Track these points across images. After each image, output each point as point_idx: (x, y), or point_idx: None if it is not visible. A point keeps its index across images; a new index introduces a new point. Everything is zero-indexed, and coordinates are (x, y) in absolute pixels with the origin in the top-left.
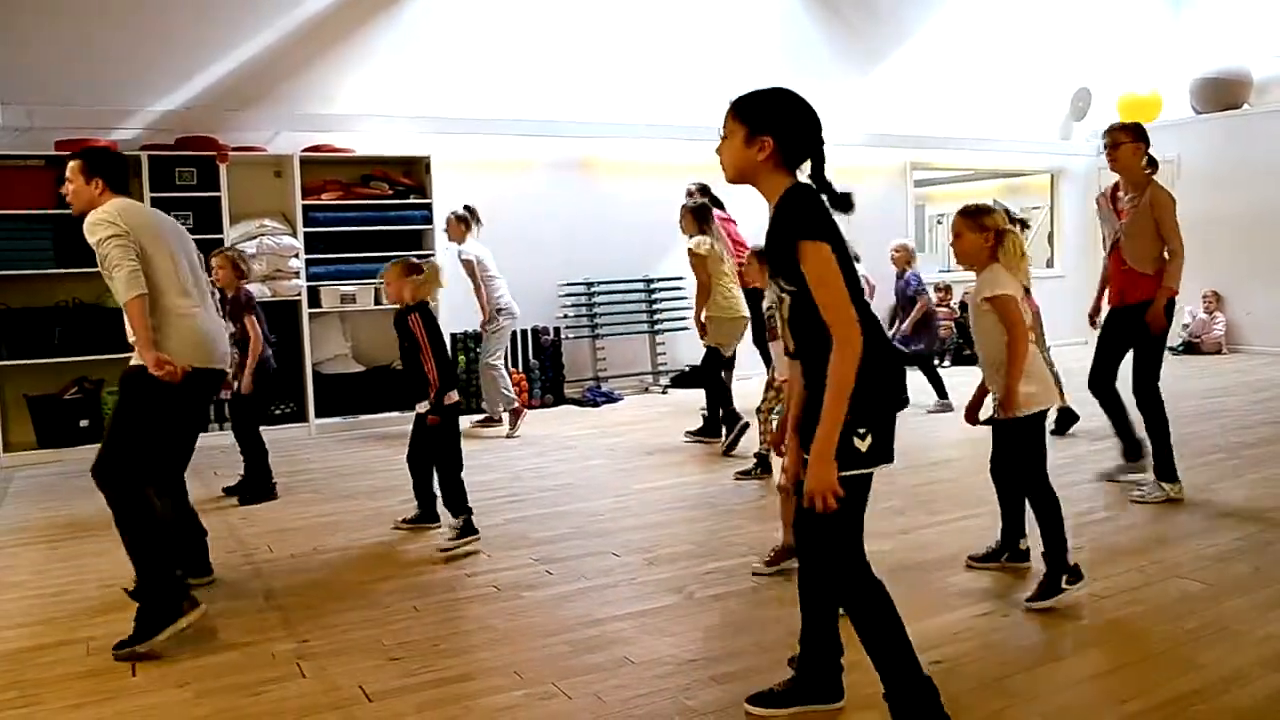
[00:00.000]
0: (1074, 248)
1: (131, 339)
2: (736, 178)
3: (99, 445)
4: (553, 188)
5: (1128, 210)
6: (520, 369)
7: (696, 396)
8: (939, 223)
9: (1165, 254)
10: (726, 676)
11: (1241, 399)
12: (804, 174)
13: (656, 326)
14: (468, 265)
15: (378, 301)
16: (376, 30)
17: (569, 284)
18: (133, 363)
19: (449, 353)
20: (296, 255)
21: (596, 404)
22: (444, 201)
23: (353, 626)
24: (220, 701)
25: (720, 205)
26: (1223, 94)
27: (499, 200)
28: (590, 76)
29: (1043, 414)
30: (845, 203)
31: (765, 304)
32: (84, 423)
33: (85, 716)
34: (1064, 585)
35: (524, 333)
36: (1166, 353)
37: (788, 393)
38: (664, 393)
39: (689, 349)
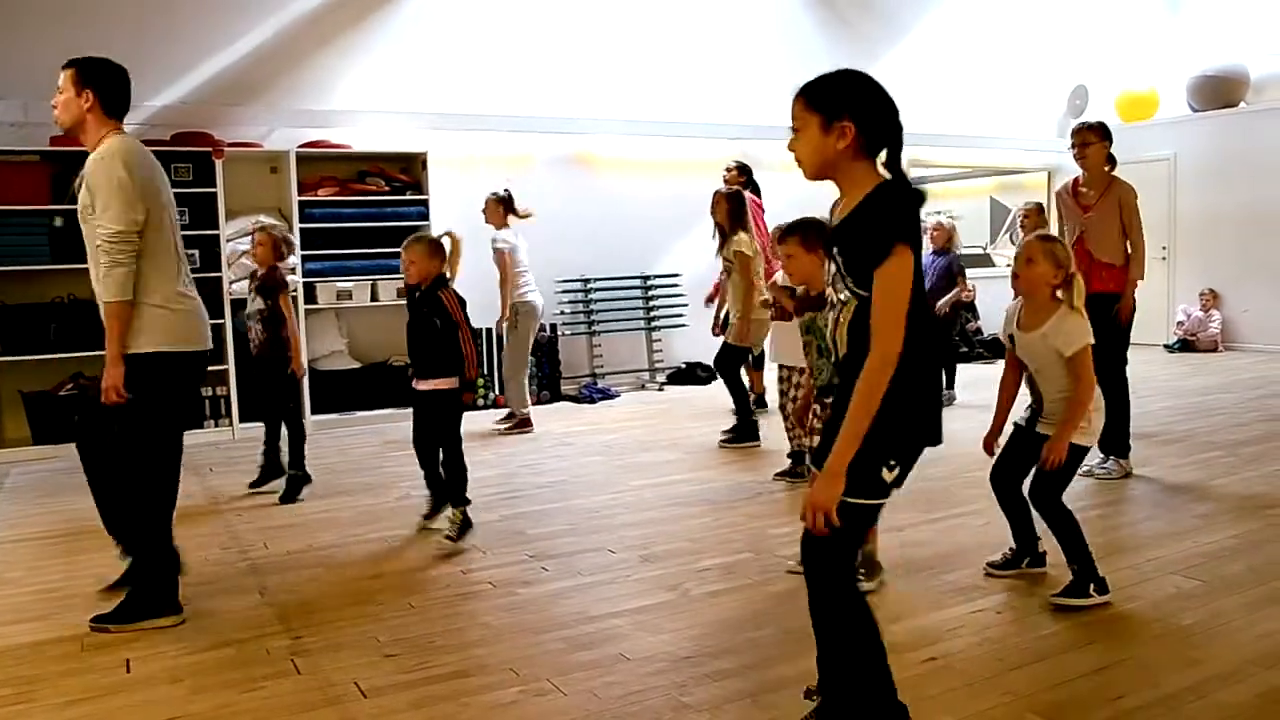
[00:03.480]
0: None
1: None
2: (818, 173)
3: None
4: (550, 184)
5: (1092, 204)
6: None
7: (694, 394)
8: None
9: (1128, 246)
10: (722, 673)
11: (1238, 396)
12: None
13: (653, 323)
14: (500, 255)
15: (374, 298)
16: (373, 25)
17: (565, 280)
18: (130, 351)
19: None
20: (292, 251)
21: (593, 401)
22: (440, 198)
23: (348, 623)
24: (215, 697)
25: (757, 190)
26: (1220, 92)
27: None
28: (588, 72)
29: (1087, 448)
30: (921, 197)
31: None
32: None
33: (80, 713)
34: (1091, 592)
35: None
36: (1162, 350)
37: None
38: (660, 389)
39: (685, 346)
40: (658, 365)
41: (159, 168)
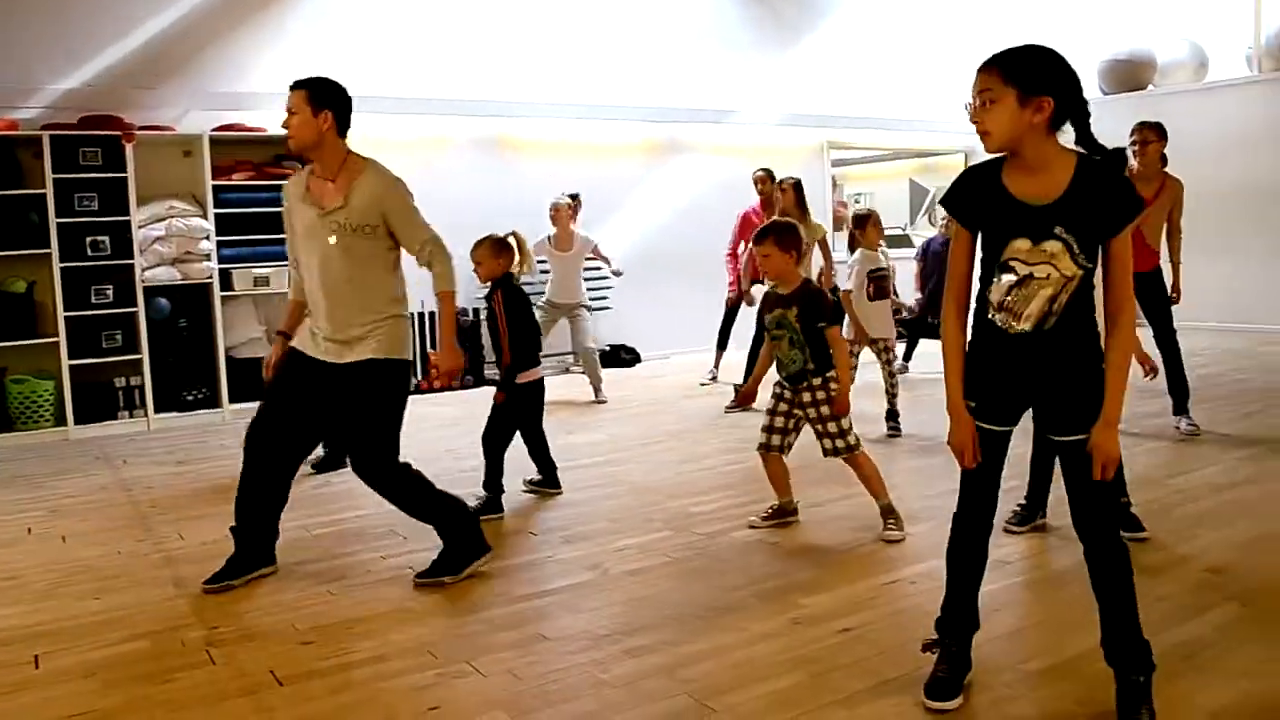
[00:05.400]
0: None
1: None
2: (1006, 145)
3: (356, 444)
4: (470, 167)
5: (1150, 197)
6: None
7: (618, 376)
8: (856, 201)
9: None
10: (640, 650)
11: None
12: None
13: None
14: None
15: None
16: (290, 6)
17: None
18: (384, 356)
19: (537, 329)
20: (207, 237)
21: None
22: None
23: (265, 612)
24: (128, 691)
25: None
26: (1128, 75)
27: (414, 180)
28: (507, 54)
29: None
30: (1119, 158)
31: (1006, 278)
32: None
33: None
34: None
35: None
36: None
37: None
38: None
39: (609, 329)
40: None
41: None
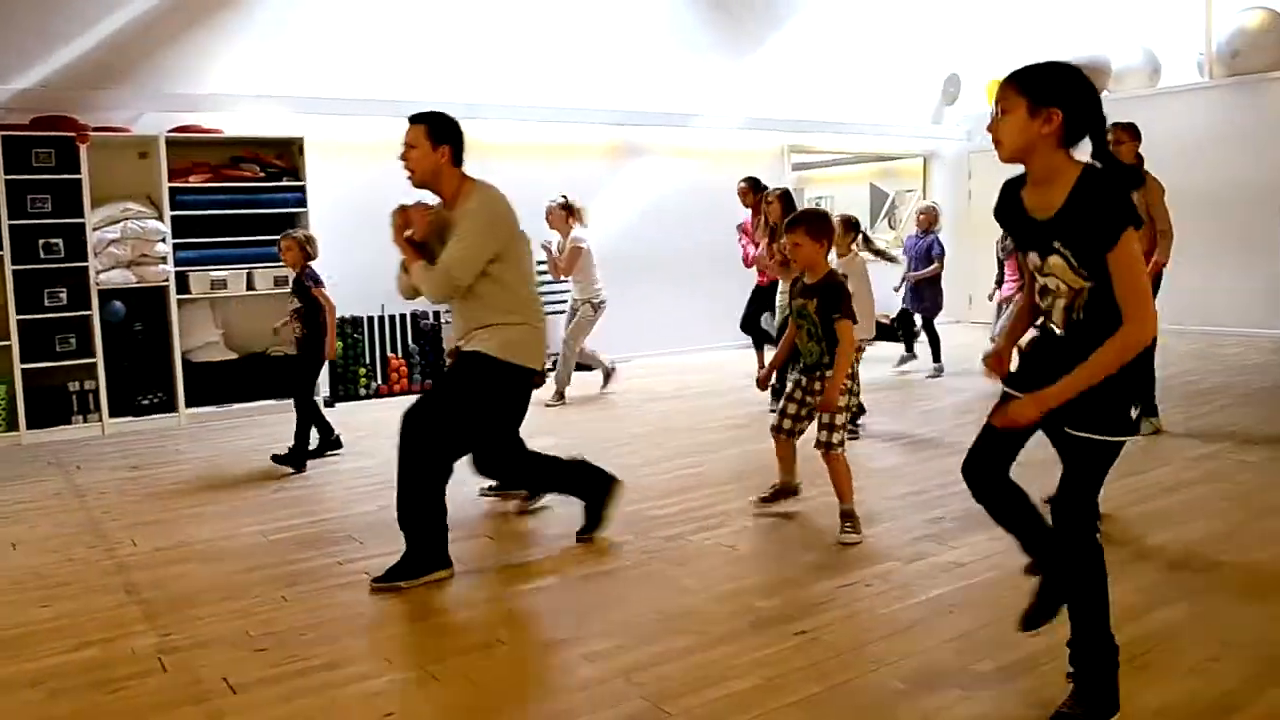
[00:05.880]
0: (945, 228)
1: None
2: (1015, 155)
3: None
4: None
5: None
6: (400, 354)
7: (577, 379)
8: (818, 204)
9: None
10: (596, 655)
11: None
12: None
13: None
14: (576, 251)
15: (250, 287)
16: (249, 6)
17: None
18: (483, 350)
19: None
20: (163, 240)
21: None
22: (318, 184)
23: (218, 619)
24: (76, 700)
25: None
26: None
27: (376, 182)
28: (471, 56)
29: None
30: (1134, 178)
31: (1038, 283)
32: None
33: None
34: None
35: (403, 317)
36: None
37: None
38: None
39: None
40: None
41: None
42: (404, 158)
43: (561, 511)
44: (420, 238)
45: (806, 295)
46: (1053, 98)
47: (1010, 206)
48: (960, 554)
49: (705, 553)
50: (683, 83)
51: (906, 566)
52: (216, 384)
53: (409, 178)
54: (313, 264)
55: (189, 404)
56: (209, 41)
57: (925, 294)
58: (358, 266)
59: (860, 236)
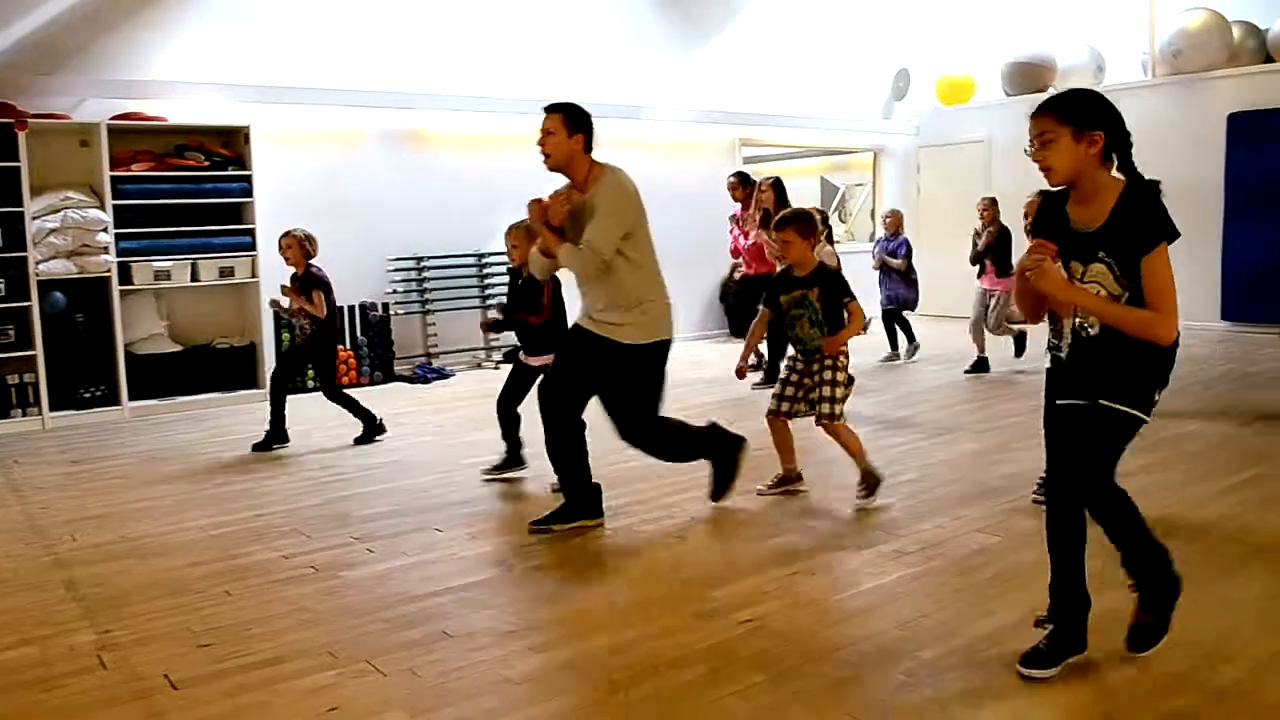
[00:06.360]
0: None
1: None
2: (1068, 178)
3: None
4: (381, 160)
5: None
6: (348, 346)
7: None
8: None
9: None
10: (543, 645)
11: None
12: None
13: (488, 302)
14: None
15: (194, 278)
16: None
17: (398, 259)
18: (611, 337)
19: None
20: (105, 229)
21: (427, 380)
22: (264, 173)
23: (160, 615)
24: (13, 699)
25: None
26: (1030, 78)
27: (324, 173)
28: (419, 46)
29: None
30: (1158, 189)
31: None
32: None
33: None
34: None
35: (351, 309)
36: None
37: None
38: (496, 368)
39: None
40: (493, 344)
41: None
42: (541, 143)
43: (510, 502)
44: (559, 223)
45: (804, 285)
46: (1094, 121)
47: (1054, 220)
48: (905, 542)
49: (653, 544)
50: (634, 75)
51: (854, 555)
52: (160, 377)
53: (545, 161)
54: (314, 261)
55: (132, 397)
56: (153, 28)
57: (911, 288)
58: (331, 258)
59: (829, 230)
